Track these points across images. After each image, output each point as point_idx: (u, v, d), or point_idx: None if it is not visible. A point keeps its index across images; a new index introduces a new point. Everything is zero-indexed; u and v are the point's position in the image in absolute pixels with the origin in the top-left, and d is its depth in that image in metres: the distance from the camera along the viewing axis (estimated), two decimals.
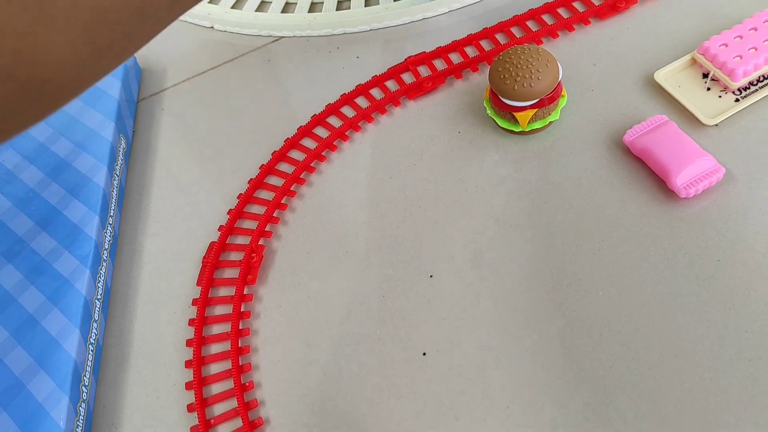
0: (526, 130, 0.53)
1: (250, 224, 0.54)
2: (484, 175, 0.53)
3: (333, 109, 0.59)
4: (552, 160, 0.52)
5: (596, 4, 0.61)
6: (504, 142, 0.54)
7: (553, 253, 0.48)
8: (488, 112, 0.54)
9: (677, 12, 0.59)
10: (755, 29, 0.53)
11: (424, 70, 0.60)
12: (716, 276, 0.44)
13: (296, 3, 0.67)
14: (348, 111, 0.59)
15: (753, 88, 0.52)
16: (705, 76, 0.54)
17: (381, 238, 0.51)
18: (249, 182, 0.56)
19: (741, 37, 0.53)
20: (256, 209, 0.54)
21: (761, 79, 0.53)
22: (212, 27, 0.68)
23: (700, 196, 0.48)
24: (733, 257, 0.45)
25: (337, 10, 0.65)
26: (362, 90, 0.60)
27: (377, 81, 0.60)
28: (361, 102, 0.59)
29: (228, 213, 0.54)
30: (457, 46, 0.61)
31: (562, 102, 0.54)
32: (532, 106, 0.51)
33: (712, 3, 0.59)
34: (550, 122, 0.53)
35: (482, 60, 0.59)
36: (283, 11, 0.67)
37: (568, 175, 0.51)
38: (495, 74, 0.52)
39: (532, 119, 0.52)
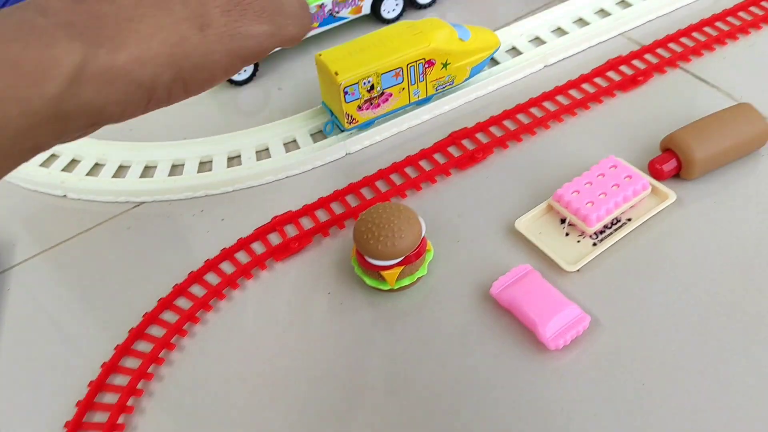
0: (395, 288, 0.52)
1: (101, 416, 0.48)
2: (357, 337, 0.50)
3: (196, 276, 0.56)
4: (424, 317, 0.51)
5: (455, 156, 0.62)
6: (375, 301, 0.53)
7: (432, 420, 0.45)
8: (356, 270, 0.53)
9: (531, 160, 0.62)
10: (603, 175, 0.56)
11: (291, 229, 0.59)
12: None
13: (156, 167, 0.65)
14: (212, 278, 0.56)
15: (608, 232, 0.54)
16: (563, 221, 0.55)
17: (251, 421, 0.47)
18: (102, 366, 0.51)
19: (591, 184, 0.55)
20: (109, 398, 0.49)
21: (614, 222, 0.55)
22: (65, 196, 0.64)
23: (570, 346, 0.47)
24: (607, 410, 0.44)
25: (198, 172, 0.64)
26: (228, 254, 0.57)
27: (243, 243, 0.58)
28: (227, 267, 0.57)
29: (77, 405, 0.49)
30: (323, 202, 0.60)
31: (429, 256, 0.53)
32: (398, 264, 0.51)
33: (561, 151, 0.62)
34: (419, 278, 0.52)
35: (348, 216, 0.59)
36: (142, 176, 0.64)
37: (440, 332, 0.50)
38: (359, 234, 0.51)
39: (400, 276, 0.51)
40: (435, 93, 0.66)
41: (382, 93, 0.62)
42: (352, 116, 0.63)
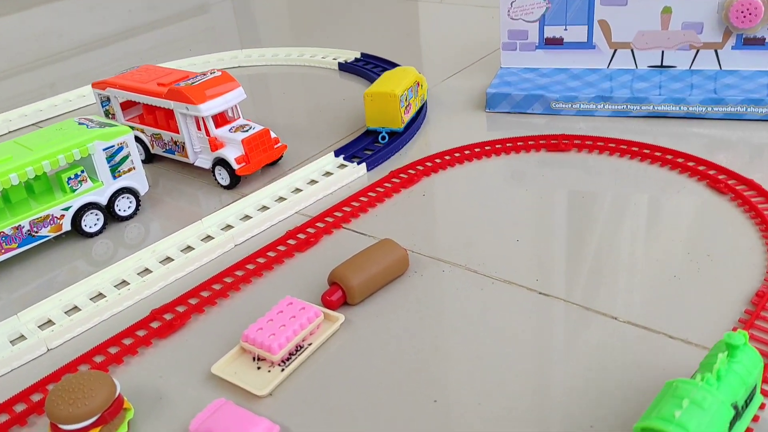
0: None
1: None
2: None
3: None
4: None
5: (155, 327, 0.67)
6: None
7: None
8: None
9: (227, 317, 0.69)
10: (281, 312, 0.64)
11: None
12: None
13: None
14: None
15: (293, 357, 0.62)
16: (255, 359, 0.62)
17: None
18: None
19: (272, 320, 0.63)
20: None
21: (298, 348, 0.63)
22: None
23: None
24: None
25: None
26: None
27: None
28: None
29: None
30: (23, 395, 0.60)
31: (129, 414, 0.56)
32: (94, 424, 0.52)
33: (252, 304, 0.70)
34: None
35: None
36: None
37: None
38: (50, 404, 0.52)
39: None
40: (421, 105, 1.09)
41: (409, 103, 1.03)
42: (402, 118, 1.01)
